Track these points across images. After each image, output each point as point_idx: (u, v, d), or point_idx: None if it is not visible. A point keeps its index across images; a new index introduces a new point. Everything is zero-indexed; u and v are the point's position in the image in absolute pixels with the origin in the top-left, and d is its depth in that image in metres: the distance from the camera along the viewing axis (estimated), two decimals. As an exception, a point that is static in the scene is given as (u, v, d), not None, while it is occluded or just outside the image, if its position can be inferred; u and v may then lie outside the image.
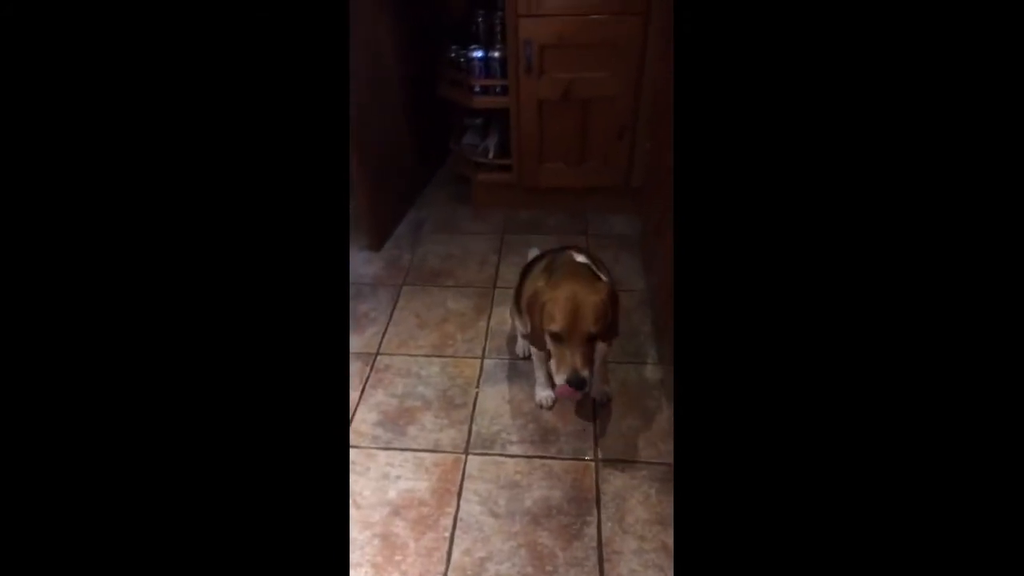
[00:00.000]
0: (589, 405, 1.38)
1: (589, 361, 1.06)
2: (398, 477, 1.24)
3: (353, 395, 1.44)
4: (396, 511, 1.18)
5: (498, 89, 1.90)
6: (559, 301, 1.05)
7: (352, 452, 1.30)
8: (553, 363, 1.11)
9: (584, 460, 1.27)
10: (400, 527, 1.15)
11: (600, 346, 1.15)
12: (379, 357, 1.55)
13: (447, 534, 1.13)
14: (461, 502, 1.19)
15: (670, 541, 1.10)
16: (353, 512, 1.17)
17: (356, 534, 1.14)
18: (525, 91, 1.82)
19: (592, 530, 1.13)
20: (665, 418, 1.35)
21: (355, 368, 1.52)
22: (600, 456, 1.27)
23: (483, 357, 1.54)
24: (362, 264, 1.90)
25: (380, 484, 1.23)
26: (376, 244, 1.96)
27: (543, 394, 1.39)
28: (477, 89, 1.93)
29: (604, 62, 1.76)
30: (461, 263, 1.90)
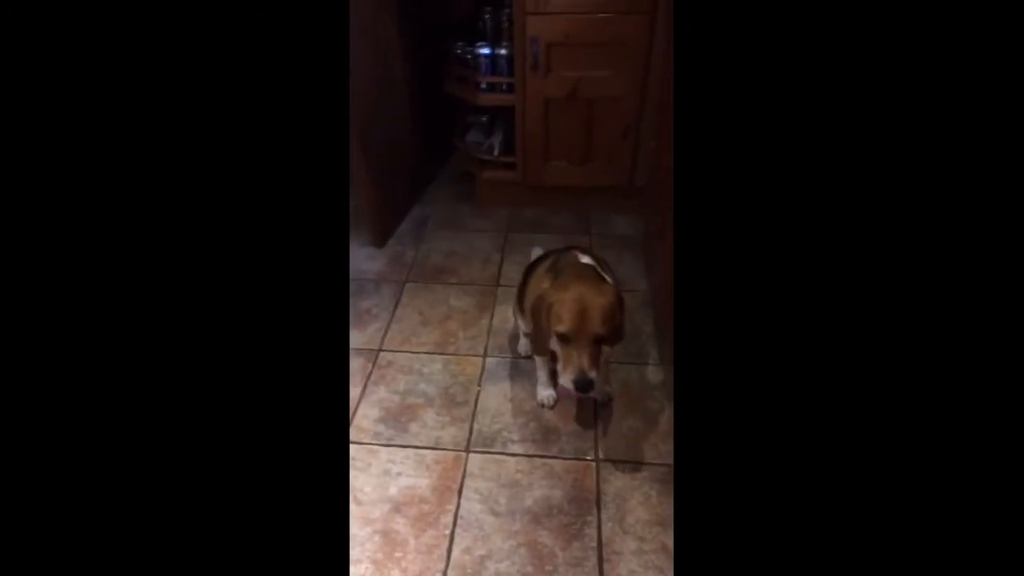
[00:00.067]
0: (590, 405, 1.38)
1: (596, 363, 1.06)
2: (399, 474, 1.25)
3: (355, 391, 1.44)
4: (397, 508, 1.18)
5: (504, 87, 1.90)
6: (567, 302, 1.05)
7: (353, 448, 1.30)
8: (559, 365, 1.10)
9: (585, 460, 1.27)
10: (401, 524, 1.15)
11: (604, 348, 1.15)
12: (381, 354, 1.55)
13: (447, 532, 1.14)
14: (462, 500, 1.19)
15: (670, 542, 1.10)
16: (354, 508, 1.18)
17: (357, 530, 1.14)
18: (531, 89, 1.82)
19: (592, 530, 1.13)
20: (666, 419, 1.35)
21: (357, 364, 1.52)
22: (601, 456, 1.28)
23: (485, 355, 1.54)
24: (365, 260, 1.91)
25: (381, 481, 1.23)
26: (380, 240, 1.96)
27: (545, 393, 1.39)
28: (483, 86, 1.93)
29: (610, 61, 1.75)
30: (464, 260, 1.90)
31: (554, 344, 1.12)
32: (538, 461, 1.27)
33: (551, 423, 1.36)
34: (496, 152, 2.06)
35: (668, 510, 1.16)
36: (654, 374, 1.47)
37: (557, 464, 1.26)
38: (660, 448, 1.28)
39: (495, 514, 1.16)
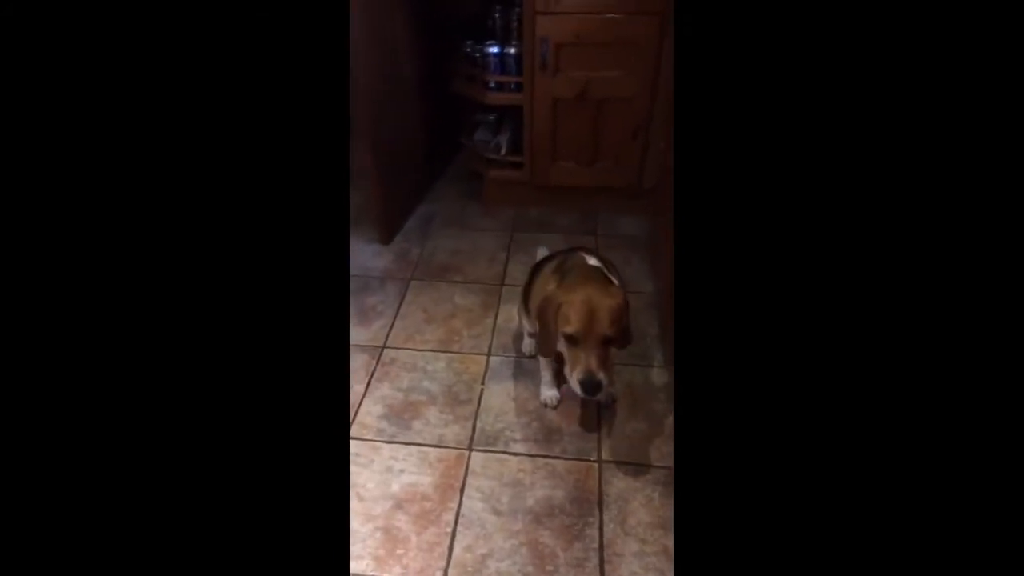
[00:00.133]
0: (594, 406, 1.38)
1: (604, 365, 1.06)
2: (401, 471, 1.25)
3: (359, 388, 1.45)
4: (399, 505, 1.18)
5: (513, 86, 1.90)
6: (575, 304, 1.05)
7: (356, 444, 1.30)
8: (567, 367, 1.10)
9: (588, 461, 1.27)
10: (402, 521, 1.15)
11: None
12: (385, 350, 1.55)
13: (449, 529, 1.14)
14: (464, 498, 1.19)
15: (672, 545, 1.10)
16: (356, 504, 1.18)
17: (358, 526, 1.14)
18: (540, 88, 1.82)
19: (594, 531, 1.13)
20: (670, 422, 1.34)
21: (361, 361, 1.52)
22: (604, 457, 1.27)
23: (489, 354, 1.54)
24: (371, 257, 1.91)
25: (384, 477, 1.23)
26: (386, 237, 1.96)
27: (548, 393, 1.39)
28: (492, 85, 1.93)
29: (620, 61, 1.75)
30: (470, 259, 1.90)
31: (561, 346, 1.11)
32: (540, 461, 1.27)
33: (554, 423, 1.36)
34: (503, 151, 2.06)
35: (670, 513, 1.15)
36: (659, 376, 1.47)
37: (559, 464, 1.26)
38: (663, 450, 1.28)
39: (497, 513, 1.16)
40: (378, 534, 1.13)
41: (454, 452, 1.29)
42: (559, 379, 1.35)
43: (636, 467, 1.25)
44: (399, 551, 1.10)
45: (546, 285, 1.19)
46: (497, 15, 1.92)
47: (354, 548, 1.10)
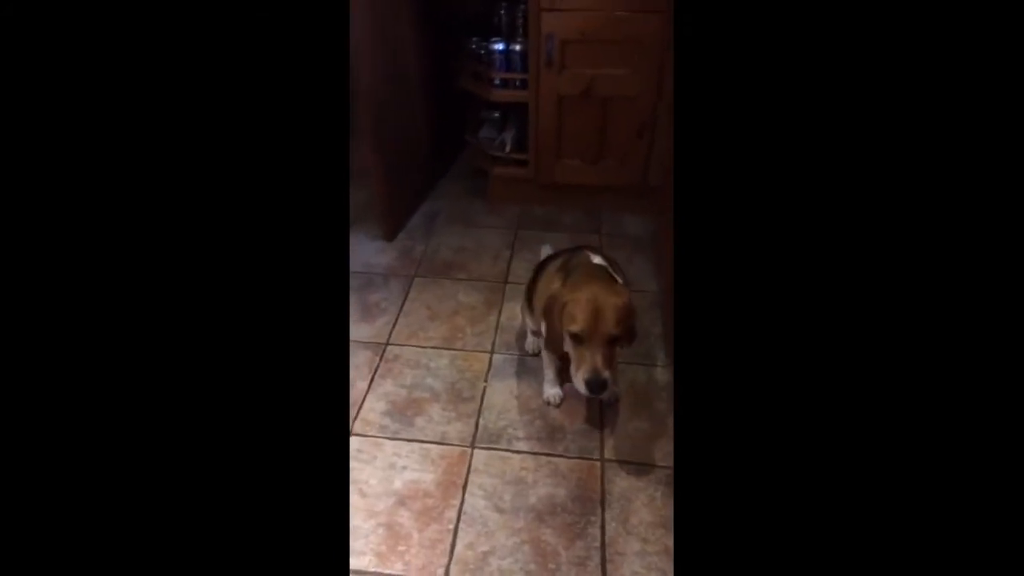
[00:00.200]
0: (597, 405, 1.38)
1: (610, 364, 1.06)
2: (404, 468, 1.25)
3: (362, 384, 1.45)
4: (401, 501, 1.18)
5: (518, 83, 1.89)
6: (580, 302, 1.05)
7: (359, 441, 1.31)
8: (572, 365, 1.10)
9: (590, 459, 1.27)
10: (405, 517, 1.15)
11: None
12: (389, 347, 1.55)
13: (451, 527, 1.14)
14: (466, 495, 1.19)
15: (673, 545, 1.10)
16: (359, 501, 1.18)
17: (361, 523, 1.14)
18: (545, 86, 1.81)
19: (596, 530, 1.13)
20: (673, 421, 1.34)
21: (365, 357, 1.52)
22: (606, 456, 1.27)
23: (492, 351, 1.54)
24: (375, 254, 1.91)
25: (386, 474, 1.24)
26: (390, 234, 1.96)
27: (551, 391, 1.38)
28: (497, 82, 1.92)
29: (626, 59, 1.74)
30: (474, 256, 1.90)
31: (567, 345, 1.11)
32: (543, 459, 1.27)
33: (557, 421, 1.35)
34: (508, 149, 2.06)
35: (672, 512, 1.15)
36: (662, 375, 1.46)
37: (562, 463, 1.26)
38: (665, 450, 1.28)
39: (499, 511, 1.16)
40: (380, 530, 1.13)
41: (457, 449, 1.29)
42: (562, 377, 1.35)
43: (639, 466, 1.25)
44: (401, 547, 1.11)
45: (550, 283, 1.19)
46: (503, 12, 1.92)
47: (356, 544, 1.11)
